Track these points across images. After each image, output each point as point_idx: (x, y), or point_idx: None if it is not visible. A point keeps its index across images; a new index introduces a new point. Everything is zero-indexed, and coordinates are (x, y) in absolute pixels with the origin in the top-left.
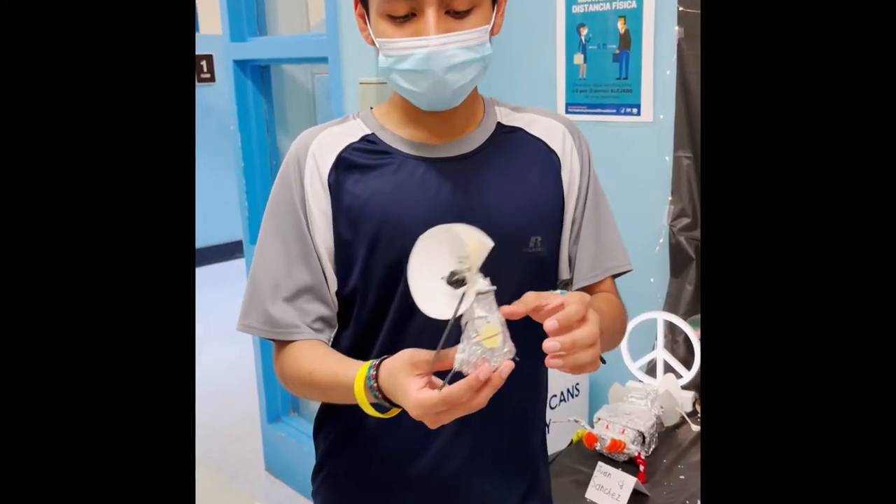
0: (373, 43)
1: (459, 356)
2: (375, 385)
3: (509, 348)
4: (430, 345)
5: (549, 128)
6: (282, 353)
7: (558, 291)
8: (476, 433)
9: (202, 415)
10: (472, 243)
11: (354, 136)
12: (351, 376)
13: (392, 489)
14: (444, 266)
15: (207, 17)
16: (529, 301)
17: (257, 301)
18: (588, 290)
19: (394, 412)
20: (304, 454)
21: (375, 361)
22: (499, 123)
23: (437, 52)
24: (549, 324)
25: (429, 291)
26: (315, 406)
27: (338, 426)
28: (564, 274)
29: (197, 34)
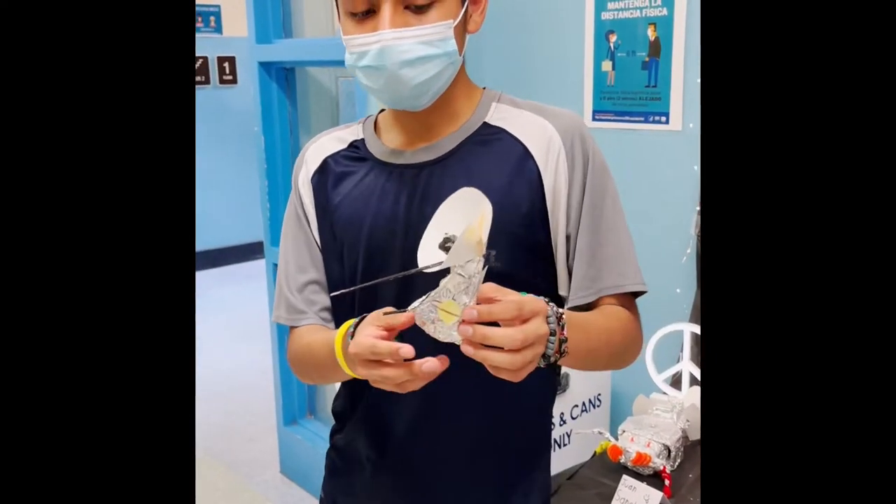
0: None
1: (415, 304)
2: (353, 331)
3: (457, 338)
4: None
5: (535, 129)
6: (291, 339)
7: (524, 295)
8: (454, 431)
9: (218, 414)
10: (476, 221)
11: (344, 143)
12: (336, 334)
13: (370, 475)
14: (454, 227)
15: (231, 18)
16: (486, 290)
17: (281, 294)
18: (586, 308)
19: None
20: (320, 457)
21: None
22: (484, 124)
23: (389, 46)
24: (467, 312)
25: (432, 242)
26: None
27: (337, 413)
28: (562, 290)
29: (220, 36)
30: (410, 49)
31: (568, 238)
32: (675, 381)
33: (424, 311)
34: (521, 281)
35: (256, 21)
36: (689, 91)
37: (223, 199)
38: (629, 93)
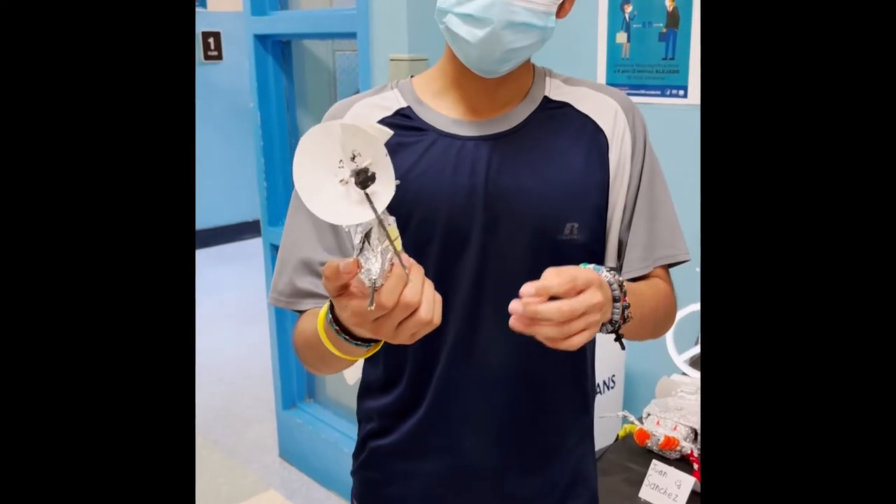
0: None
1: (374, 267)
2: (331, 316)
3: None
4: (469, 327)
5: (600, 104)
6: (297, 324)
7: (585, 265)
8: (514, 430)
9: (216, 398)
10: (370, 132)
11: (388, 110)
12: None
13: (431, 474)
14: (336, 167)
15: None
16: (548, 275)
17: (286, 274)
18: (638, 279)
19: (367, 350)
20: (320, 441)
21: None
22: (545, 97)
23: (503, 2)
24: (523, 289)
25: (328, 201)
26: (332, 392)
27: (380, 408)
28: (611, 262)
29: (204, 10)
30: (519, 12)
31: (624, 209)
32: (695, 362)
33: (385, 261)
34: (597, 252)
35: None
36: None
37: (211, 179)
38: (645, 65)
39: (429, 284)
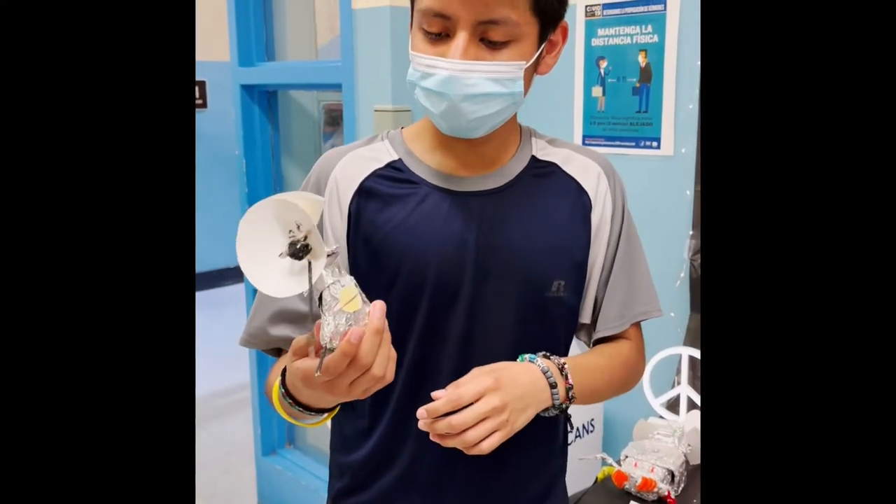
0: None
1: (326, 330)
2: (283, 390)
3: (370, 307)
4: (457, 375)
5: (584, 167)
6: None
7: (521, 358)
8: (490, 484)
9: (196, 444)
10: (304, 204)
11: (380, 162)
12: (275, 379)
13: None
14: (277, 241)
15: (202, 42)
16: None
17: (257, 320)
18: (611, 336)
19: (318, 420)
20: (299, 488)
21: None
22: (533, 157)
23: (457, 77)
24: (420, 410)
25: (270, 274)
26: (313, 438)
27: (354, 462)
28: (585, 318)
29: None
30: (477, 84)
31: (602, 269)
32: (671, 405)
33: (339, 325)
34: (574, 311)
35: (239, 44)
36: (680, 116)
37: (198, 224)
38: (620, 118)
39: (385, 341)
